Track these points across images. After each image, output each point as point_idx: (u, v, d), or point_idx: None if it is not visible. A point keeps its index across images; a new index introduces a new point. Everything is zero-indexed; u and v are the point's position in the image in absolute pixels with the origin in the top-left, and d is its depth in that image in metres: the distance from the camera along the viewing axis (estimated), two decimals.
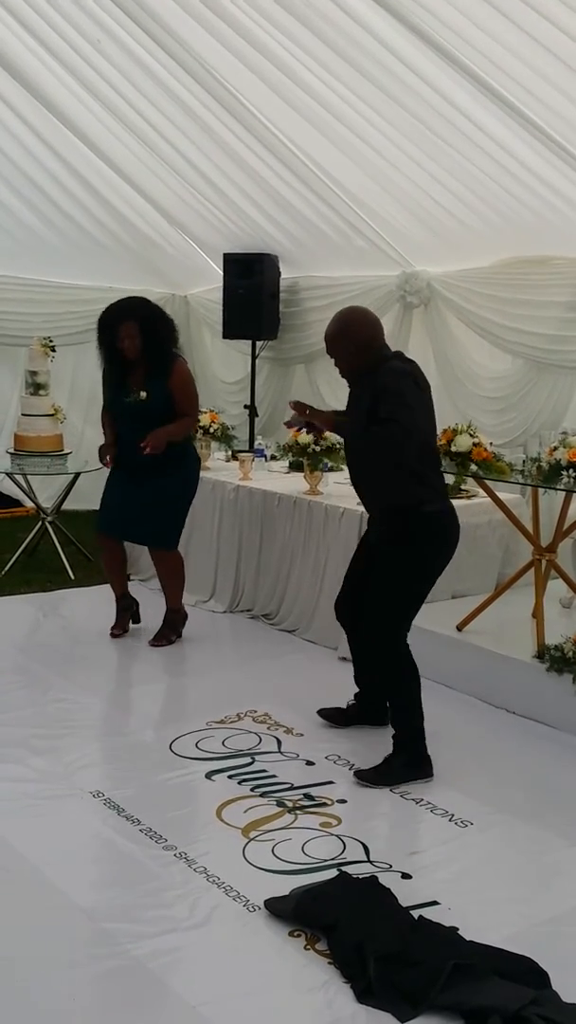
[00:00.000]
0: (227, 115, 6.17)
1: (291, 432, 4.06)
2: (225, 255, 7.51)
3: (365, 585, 3.96)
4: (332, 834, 3.42)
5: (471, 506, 5.48)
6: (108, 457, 5.16)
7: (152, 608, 5.45)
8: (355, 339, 3.84)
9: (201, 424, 6.09)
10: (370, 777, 3.79)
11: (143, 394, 4.93)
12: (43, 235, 7.78)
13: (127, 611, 5.42)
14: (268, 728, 4.27)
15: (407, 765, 3.82)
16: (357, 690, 4.32)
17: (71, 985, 2.61)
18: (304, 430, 4.22)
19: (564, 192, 5.40)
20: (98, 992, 2.61)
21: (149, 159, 7.00)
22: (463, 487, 5.37)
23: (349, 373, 3.90)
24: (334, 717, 4.32)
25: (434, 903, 3.00)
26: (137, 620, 5.45)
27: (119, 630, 5.35)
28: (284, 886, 3.04)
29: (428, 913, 2.92)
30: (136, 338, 4.88)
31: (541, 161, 5.25)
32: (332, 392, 7.39)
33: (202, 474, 5.93)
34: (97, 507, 5.34)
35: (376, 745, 4.10)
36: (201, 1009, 2.53)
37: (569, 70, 4.55)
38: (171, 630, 5.29)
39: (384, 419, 3.58)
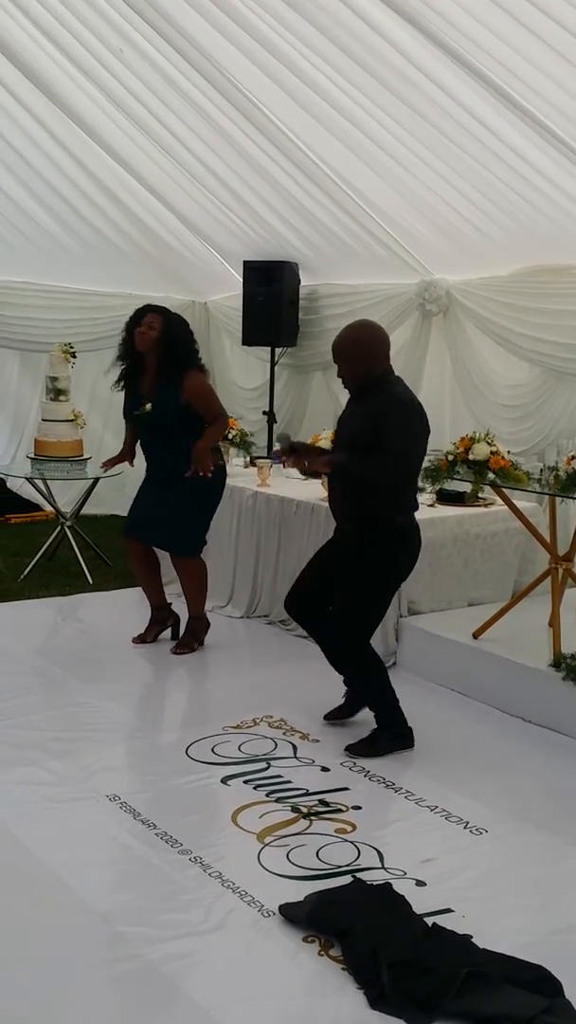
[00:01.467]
0: (248, 124, 6.21)
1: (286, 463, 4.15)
2: (245, 263, 7.55)
3: (327, 586, 4.12)
4: (347, 840, 3.43)
5: (488, 514, 5.50)
6: (107, 462, 5.47)
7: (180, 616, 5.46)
8: (368, 350, 3.98)
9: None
10: (359, 750, 4.08)
11: (147, 407, 4.97)
12: (65, 242, 7.85)
13: (159, 624, 5.37)
14: (284, 733, 4.29)
15: (392, 739, 4.13)
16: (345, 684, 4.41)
17: (86, 988, 2.63)
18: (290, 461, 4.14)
19: None
20: (112, 995, 2.63)
21: (170, 167, 7.05)
22: (480, 495, 5.38)
23: (353, 383, 4.01)
24: (337, 715, 4.40)
25: (448, 910, 3.01)
26: (175, 636, 5.38)
27: (139, 640, 5.32)
28: (299, 892, 3.06)
29: (442, 920, 2.93)
30: (156, 331, 4.91)
31: (560, 171, 5.25)
32: None
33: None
34: (117, 512, 5.40)
35: (393, 752, 4.12)
36: (214, 1013, 2.55)
37: None
38: (193, 638, 5.29)
39: (390, 452, 3.82)
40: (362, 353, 3.96)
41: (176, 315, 5.12)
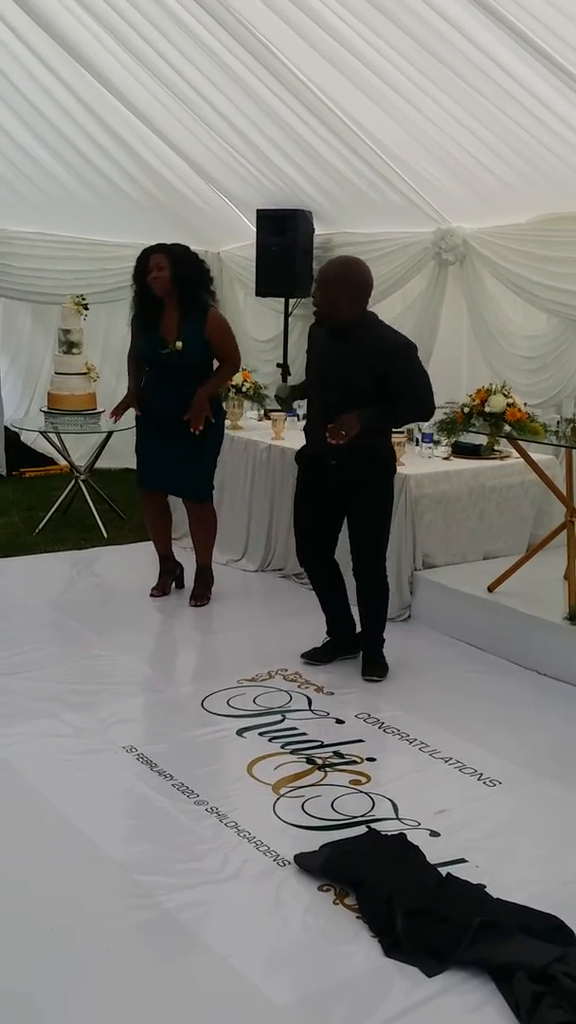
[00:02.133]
0: (261, 69, 6.09)
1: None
2: (258, 211, 7.44)
3: (335, 528, 4.35)
4: (361, 791, 3.46)
5: (504, 467, 5.46)
6: (113, 410, 5.38)
7: (186, 566, 5.49)
8: (357, 285, 4.04)
9: (233, 383, 6.07)
10: (379, 674, 4.37)
11: (179, 344, 4.87)
12: (76, 192, 7.75)
13: (170, 574, 5.42)
14: (298, 686, 4.31)
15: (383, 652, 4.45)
16: (327, 634, 4.57)
17: (105, 935, 2.67)
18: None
19: None
20: (131, 942, 2.67)
21: (182, 114, 6.93)
22: (496, 448, 5.33)
23: (335, 316, 4.04)
24: (318, 656, 4.51)
25: (462, 860, 3.04)
26: (180, 585, 5.44)
27: (158, 592, 5.35)
28: (314, 842, 3.09)
29: (456, 871, 2.96)
30: (165, 270, 4.83)
31: None
32: None
33: (234, 434, 5.96)
34: (131, 465, 5.37)
35: (406, 704, 4.15)
36: (231, 960, 2.59)
37: None
38: (206, 587, 5.32)
39: (409, 395, 4.07)
40: (351, 290, 4.02)
41: (179, 246, 4.99)
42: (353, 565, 4.34)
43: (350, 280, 4.04)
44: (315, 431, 4.21)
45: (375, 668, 4.40)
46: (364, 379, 4.02)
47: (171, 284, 4.85)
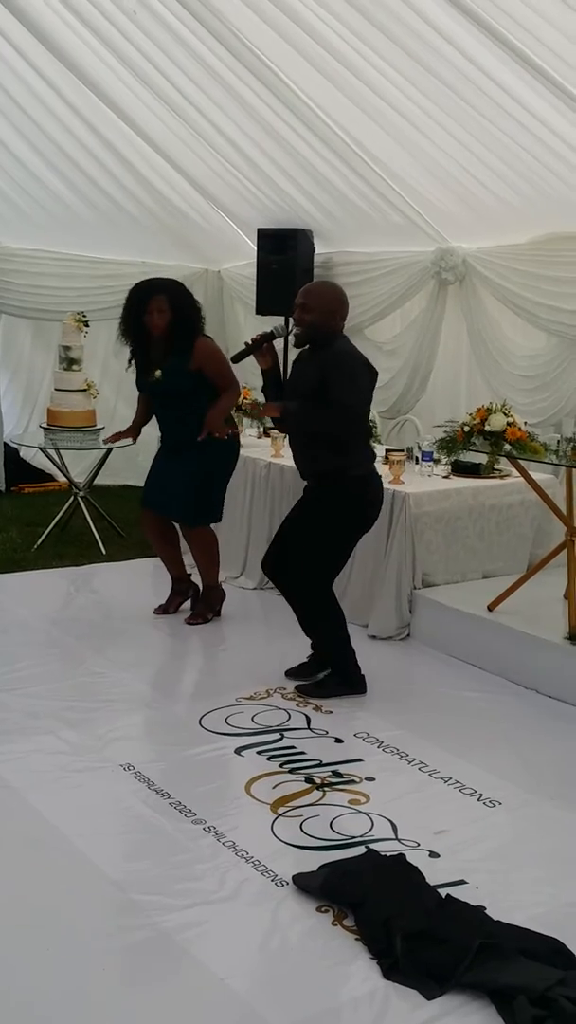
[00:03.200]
0: (263, 88, 6.13)
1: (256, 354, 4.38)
2: (259, 230, 7.47)
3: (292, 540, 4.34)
4: (360, 811, 3.43)
5: (504, 486, 5.46)
6: (112, 435, 5.47)
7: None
8: (334, 303, 4.21)
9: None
10: (309, 691, 4.37)
11: (158, 373, 4.95)
12: (77, 209, 7.78)
13: (180, 595, 5.38)
14: (297, 705, 4.29)
15: (340, 684, 4.39)
16: (311, 648, 4.54)
17: (101, 955, 2.65)
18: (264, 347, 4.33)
19: None
20: (127, 963, 2.64)
21: (184, 132, 6.97)
22: (496, 467, 5.33)
23: (311, 332, 4.17)
24: (299, 672, 4.51)
25: (461, 882, 3.01)
26: (194, 607, 5.37)
27: (161, 610, 5.33)
28: (312, 862, 3.07)
29: (455, 892, 2.93)
30: (165, 312, 4.85)
31: None
32: None
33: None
34: (130, 483, 5.38)
35: (405, 723, 4.12)
36: (228, 982, 2.56)
37: None
38: (207, 608, 5.30)
39: (335, 400, 4.02)
40: (331, 304, 4.18)
41: (176, 285, 5.00)
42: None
43: (328, 296, 4.23)
44: (293, 446, 4.38)
45: (309, 684, 4.41)
46: (313, 387, 4.11)
47: (169, 324, 4.89)
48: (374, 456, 4.34)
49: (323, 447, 4.14)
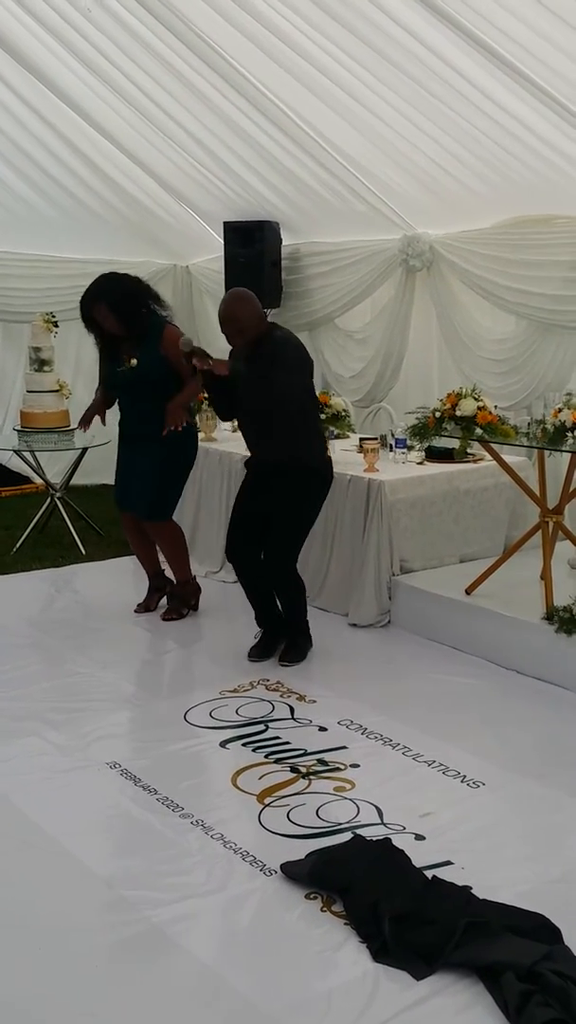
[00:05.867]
0: (222, 82, 6.11)
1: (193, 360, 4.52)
2: (225, 223, 7.47)
3: (264, 526, 4.57)
4: (346, 798, 3.46)
5: (478, 470, 5.50)
6: (81, 421, 5.34)
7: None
8: (254, 309, 4.41)
9: (206, 396, 6.08)
10: (293, 659, 4.64)
11: (133, 361, 4.94)
12: (41, 209, 7.75)
13: (158, 591, 5.38)
14: (281, 696, 4.32)
15: (306, 641, 4.74)
16: (259, 626, 4.82)
17: (92, 952, 2.67)
18: (195, 361, 4.46)
19: (565, 150, 5.34)
20: (119, 958, 2.66)
21: (145, 129, 6.95)
22: (469, 451, 5.36)
23: (248, 337, 4.37)
24: (258, 653, 4.71)
25: (447, 863, 3.05)
26: (169, 601, 5.37)
27: (142, 608, 5.34)
28: (300, 850, 3.09)
29: (442, 873, 2.97)
30: (111, 318, 4.87)
31: (541, 120, 5.18)
32: (338, 359, 7.39)
33: (209, 446, 5.95)
34: (107, 482, 5.35)
35: (388, 708, 4.16)
36: (220, 972, 2.59)
37: (569, 27, 4.48)
38: (181, 603, 5.31)
39: (287, 381, 4.30)
40: (259, 313, 4.41)
41: (113, 287, 4.93)
42: (265, 560, 4.64)
43: (251, 304, 4.41)
44: (250, 447, 4.66)
45: (288, 652, 4.67)
46: (264, 390, 4.30)
47: (119, 326, 4.90)
48: (325, 445, 4.70)
49: (282, 435, 4.41)
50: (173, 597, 5.33)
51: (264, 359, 4.36)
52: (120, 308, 4.88)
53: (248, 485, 4.70)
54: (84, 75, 6.53)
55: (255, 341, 4.40)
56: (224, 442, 6.13)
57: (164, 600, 5.41)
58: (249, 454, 4.73)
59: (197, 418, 5.45)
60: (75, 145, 7.20)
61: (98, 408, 5.27)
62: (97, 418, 5.29)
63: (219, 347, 4.79)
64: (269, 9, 5.28)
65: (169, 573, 5.39)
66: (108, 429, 5.42)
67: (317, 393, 5.56)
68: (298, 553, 4.65)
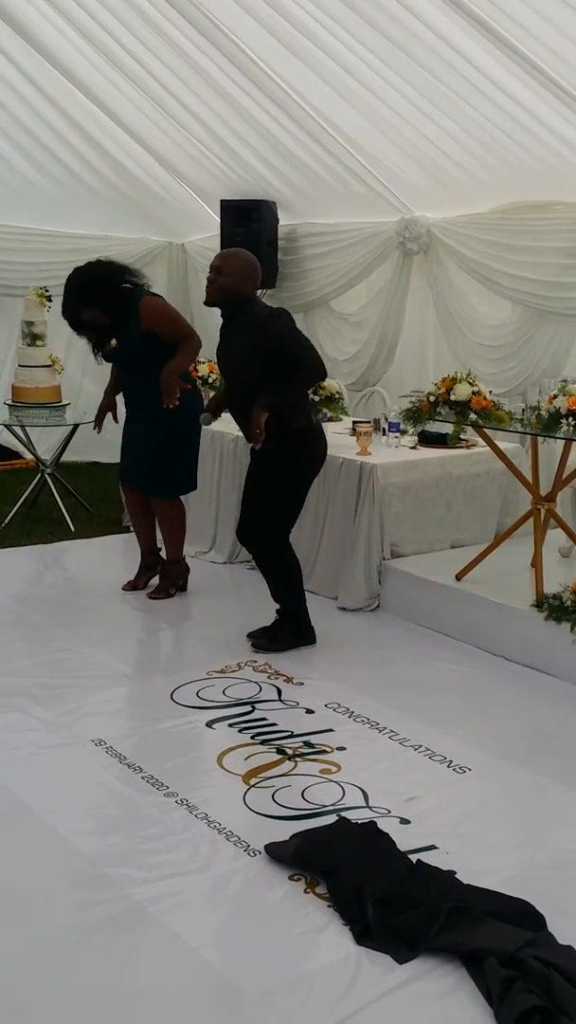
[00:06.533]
0: (224, 60, 6.06)
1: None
2: (222, 202, 7.41)
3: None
4: (331, 780, 3.46)
5: (471, 456, 5.48)
6: (102, 419, 5.25)
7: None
8: (247, 270, 4.38)
9: (200, 375, 6.05)
10: (262, 645, 4.52)
11: (113, 342, 4.98)
12: (38, 183, 7.68)
13: (148, 570, 5.35)
14: (268, 677, 4.30)
15: (292, 634, 4.55)
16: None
17: (75, 929, 2.66)
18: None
19: (566, 136, 5.31)
20: (101, 936, 2.65)
21: (145, 105, 6.88)
22: (462, 436, 5.35)
23: (219, 295, 4.37)
24: (261, 634, 4.61)
25: (432, 847, 3.05)
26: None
27: (130, 586, 5.30)
28: (284, 831, 3.08)
29: (426, 857, 2.96)
30: (100, 314, 4.89)
31: (542, 104, 5.16)
32: (331, 341, 7.35)
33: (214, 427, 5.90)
34: (97, 459, 5.32)
35: (376, 692, 4.15)
36: (202, 951, 2.58)
37: (571, 10, 4.45)
38: (170, 582, 5.28)
39: (296, 364, 4.20)
40: (247, 276, 4.36)
41: (89, 284, 4.87)
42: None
43: (243, 261, 4.40)
44: (236, 412, 4.51)
45: (260, 635, 4.58)
46: (248, 363, 4.26)
47: (111, 315, 4.90)
48: (311, 407, 4.63)
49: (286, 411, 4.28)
50: (162, 576, 5.30)
51: (242, 336, 4.29)
52: (106, 302, 4.87)
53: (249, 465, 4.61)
54: (85, 49, 6.46)
55: (234, 308, 4.35)
56: (217, 422, 6.06)
57: (153, 579, 5.38)
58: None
59: (194, 382, 5.36)
60: (74, 120, 7.13)
61: (108, 405, 5.24)
62: (109, 415, 5.27)
63: (213, 323, 4.74)
64: None
65: (163, 553, 5.37)
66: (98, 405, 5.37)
67: None
68: (283, 531, 4.50)
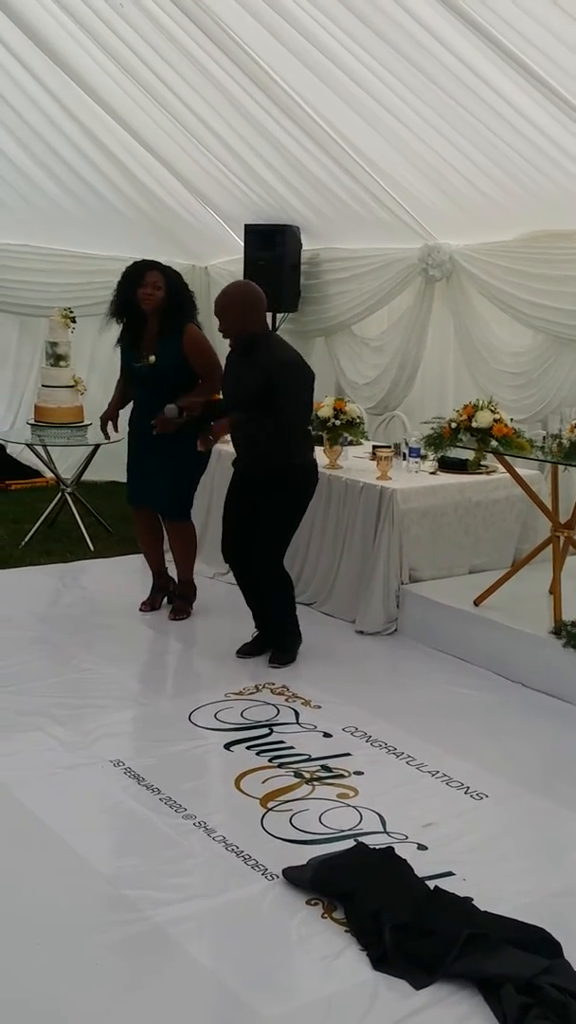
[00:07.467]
0: (251, 84, 6.13)
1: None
2: (246, 226, 7.48)
3: (252, 527, 4.65)
4: (349, 805, 3.46)
5: (491, 482, 5.49)
6: (106, 426, 5.33)
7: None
8: (239, 305, 4.46)
9: (219, 397, 6.08)
10: (282, 661, 4.69)
11: (152, 358, 4.94)
12: (63, 204, 7.77)
13: (162, 590, 5.39)
14: (286, 700, 4.31)
15: (293, 635, 4.78)
16: (256, 628, 4.85)
17: (94, 950, 2.67)
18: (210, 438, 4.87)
19: None
20: (119, 958, 2.66)
21: (171, 128, 6.97)
22: (483, 463, 5.36)
23: (232, 335, 4.50)
24: (249, 650, 4.78)
25: (449, 874, 3.05)
26: (171, 601, 5.38)
27: (147, 607, 5.33)
28: (302, 856, 3.09)
29: (443, 884, 2.96)
30: (161, 290, 4.89)
31: (566, 133, 5.19)
32: (352, 365, 7.39)
33: (221, 447, 5.93)
34: (117, 479, 5.34)
35: (393, 717, 4.16)
36: (220, 975, 2.59)
37: None
38: (187, 603, 5.31)
39: (278, 411, 4.37)
40: (239, 311, 4.44)
41: (173, 270, 5.10)
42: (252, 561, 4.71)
43: (235, 303, 4.46)
44: (235, 448, 4.69)
45: (277, 654, 4.72)
46: (258, 392, 4.38)
47: (162, 302, 4.90)
48: (312, 446, 4.70)
49: (266, 444, 4.46)
50: (179, 596, 5.33)
51: (254, 368, 4.41)
52: (173, 288, 4.95)
53: (235, 486, 4.74)
54: (114, 72, 6.55)
55: (246, 343, 4.47)
56: (231, 443, 6.11)
57: (166, 599, 5.40)
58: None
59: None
60: (101, 142, 7.22)
61: (112, 412, 5.30)
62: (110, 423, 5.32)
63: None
64: (300, 12, 5.30)
65: (172, 572, 5.39)
66: (122, 428, 5.41)
67: (333, 399, 5.61)
68: (283, 552, 4.70)
